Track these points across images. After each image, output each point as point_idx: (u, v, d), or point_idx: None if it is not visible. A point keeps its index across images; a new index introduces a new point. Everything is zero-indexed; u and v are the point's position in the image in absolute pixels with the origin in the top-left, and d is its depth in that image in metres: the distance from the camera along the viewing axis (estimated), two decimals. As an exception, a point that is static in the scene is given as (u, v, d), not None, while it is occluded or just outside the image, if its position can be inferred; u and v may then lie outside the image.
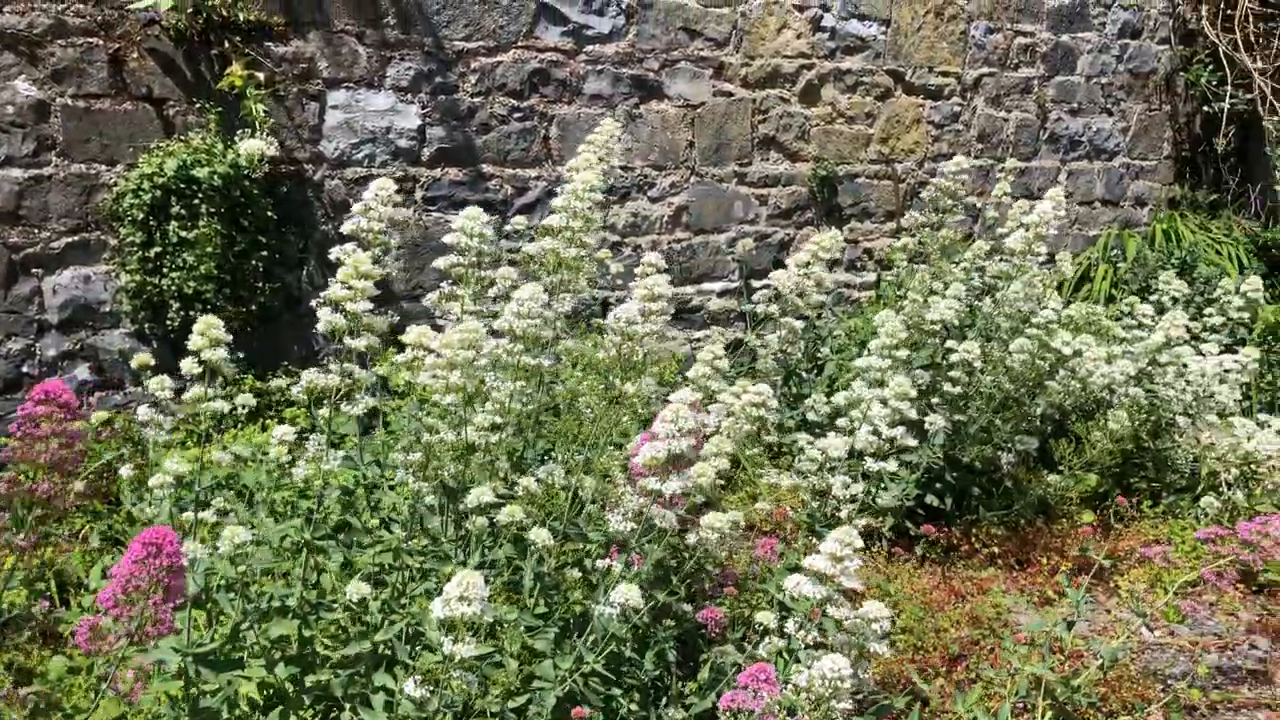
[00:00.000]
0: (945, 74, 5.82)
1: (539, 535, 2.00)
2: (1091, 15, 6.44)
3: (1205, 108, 6.97)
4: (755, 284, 4.49)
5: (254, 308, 3.87)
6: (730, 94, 5.04)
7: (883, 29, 5.52)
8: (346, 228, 2.37)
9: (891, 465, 2.41)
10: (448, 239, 2.34)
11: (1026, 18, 6.12)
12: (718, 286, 5.13)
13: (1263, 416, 4.19)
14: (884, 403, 2.41)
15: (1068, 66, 6.38)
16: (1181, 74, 6.95)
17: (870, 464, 2.41)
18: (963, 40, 5.86)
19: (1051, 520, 4.29)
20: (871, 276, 5.59)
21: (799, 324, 4.43)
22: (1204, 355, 4.00)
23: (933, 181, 4.16)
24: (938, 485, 4.04)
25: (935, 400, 3.70)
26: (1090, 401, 3.98)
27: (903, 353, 2.52)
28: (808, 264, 3.52)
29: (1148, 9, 6.71)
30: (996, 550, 4.05)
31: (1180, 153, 7.13)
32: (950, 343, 3.99)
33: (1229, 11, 6.79)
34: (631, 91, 4.74)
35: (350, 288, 2.03)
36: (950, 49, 5.81)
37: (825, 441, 2.59)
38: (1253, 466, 4.19)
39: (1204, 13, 6.91)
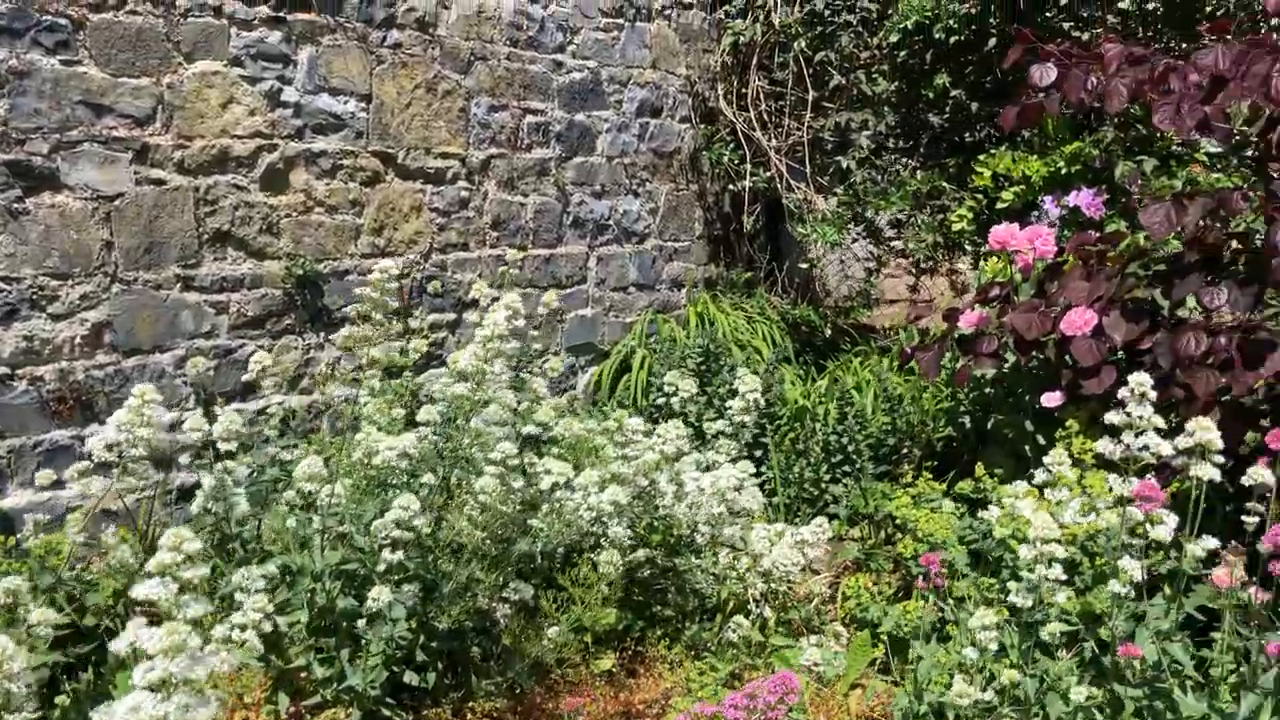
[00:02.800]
0: (447, 156, 5.19)
1: None
2: (607, 93, 6.11)
3: (731, 186, 6.87)
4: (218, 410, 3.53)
5: None
6: (162, 182, 4.08)
7: (363, 105, 4.79)
8: None
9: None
10: None
11: (535, 95, 5.65)
12: (168, 418, 4.11)
13: (780, 527, 3.78)
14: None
15: (586, 147, 5.99)
16: (705, 153, 6.81)
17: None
18: (464, 118, 5.26)
19: (566, 671, 3.64)
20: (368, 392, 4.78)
21: (240, 471, 3.53)
22: (705, 469, 3.54)
23: (359, 290, 3.44)
24: (419, 658, 3.27)
25: (381, 569, 2.92)
26: (586, 536, 3.37)
27: (191, 571, 1.68)
28: (140, 411, 2.64)
29: (665, 87, 6.51)
30: (497, 728, 3.33)
31: (713, 232, 6.99)
32: (426, 477, 3.26)
33: (743, 90, 6.75)
34: (10, 181, 3.67)
35: None
36: (450, 128, 5.20)
37: (129, 700, 1.70)
38: (775, 583, 3.78)
39: (720, 91, 6.83)
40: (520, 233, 5.62)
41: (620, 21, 6.18)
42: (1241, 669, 2.50)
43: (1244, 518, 2.59)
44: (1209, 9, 5.41)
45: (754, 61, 6.62)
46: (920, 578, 3.54)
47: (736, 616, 3.89)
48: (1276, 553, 2.18)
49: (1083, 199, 5.05)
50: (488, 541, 3.13)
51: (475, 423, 3.05)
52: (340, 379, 4.80)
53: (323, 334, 4.71)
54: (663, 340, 5.89)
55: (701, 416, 4.67)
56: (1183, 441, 2.48)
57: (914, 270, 6.33)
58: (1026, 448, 3.96)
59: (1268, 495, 2.54)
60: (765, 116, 6.66)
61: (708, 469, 3.77)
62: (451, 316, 5.27)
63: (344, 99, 4.71)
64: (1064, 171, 5.35)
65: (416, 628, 3.17)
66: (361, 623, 2.96)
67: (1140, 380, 2.45)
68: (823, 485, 4.60)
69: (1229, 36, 4.39)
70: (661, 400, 4.45)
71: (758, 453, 4.77)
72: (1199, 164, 5.41)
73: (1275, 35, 4.03)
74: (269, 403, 4.34)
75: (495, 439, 3.08)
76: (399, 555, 2.84)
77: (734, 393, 4.06)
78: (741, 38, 6.56)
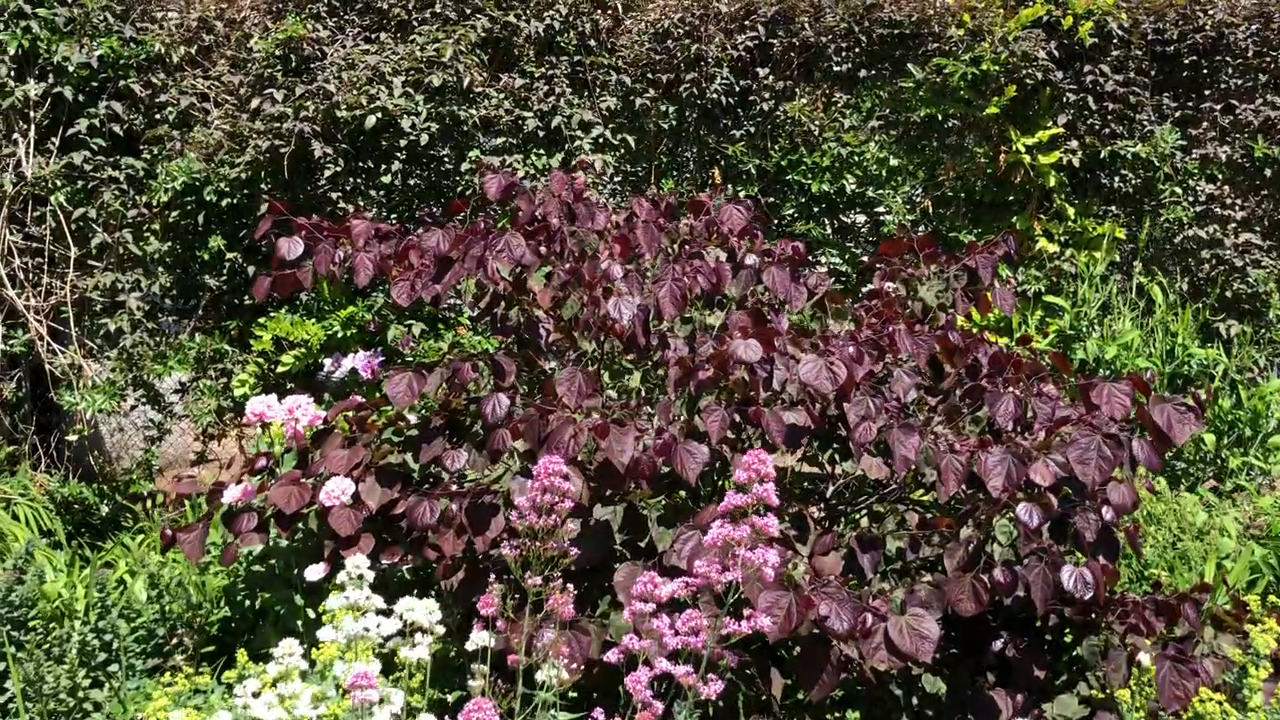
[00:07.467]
0: None
1: None
2: None
3: None
4: None
5: None
6: None
7: None
8: None
9: None
10: None
11: None
12: None
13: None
14: None
15: None
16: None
17: None
18: None
19: None
20: None
21: None
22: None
23: None
24: None
25: None
26: None
27: None
28: None
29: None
30: None
31: (-44, 402, 6.06)
32: None
33: (-7, 245, 6.01)
34: None
35: None
36: None
37: None
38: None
39: (-37, 244, 6.02)
40: None
41: None
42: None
43: (470, 682, 2.69)
44: (459, 188, 5.94)
45: (4, 213, 5.93)
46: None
47: None
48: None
49: (359, 361, 5.17)
50: None
51: None
52: None
53: None
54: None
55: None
56: (396, 623, 2.50)
57: (202, 437, 6.01)
58: (299, 624, 3.85)
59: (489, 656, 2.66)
60: (22, 273, 5.98)
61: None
62: None
63: None
64: (340, 335, 5.47)
65: None
66: None
67: (357, 563, 2.45)
68: (81, 694, 4.05)
69: (466, 213, 4.83)
70: None
71: (1, 665, 4.10)
72: (464, 327, 5.86)
73: (489, 221, 4.50)
74: None
75: None
76: None
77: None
78: (-13, 187, 5.86)
